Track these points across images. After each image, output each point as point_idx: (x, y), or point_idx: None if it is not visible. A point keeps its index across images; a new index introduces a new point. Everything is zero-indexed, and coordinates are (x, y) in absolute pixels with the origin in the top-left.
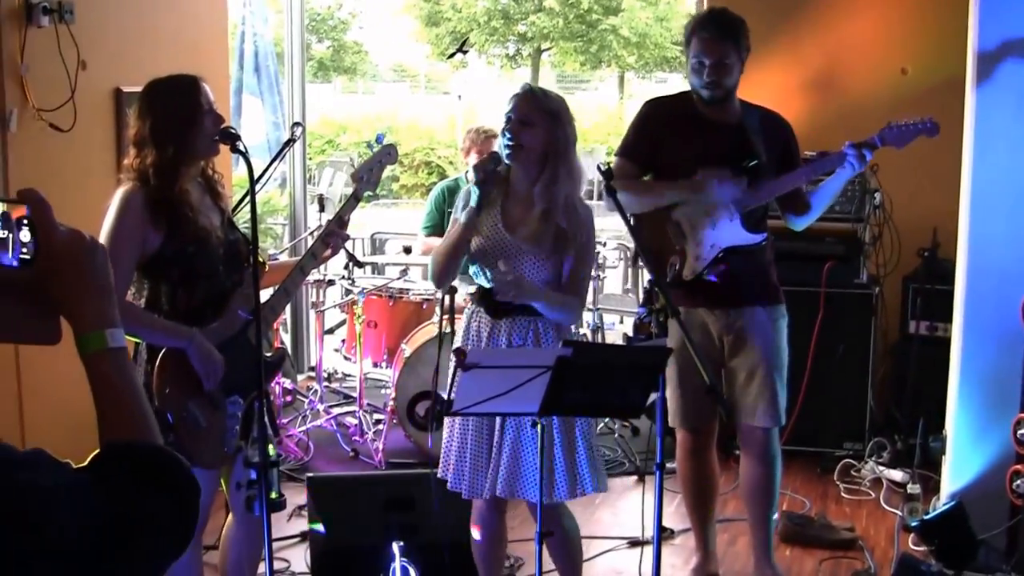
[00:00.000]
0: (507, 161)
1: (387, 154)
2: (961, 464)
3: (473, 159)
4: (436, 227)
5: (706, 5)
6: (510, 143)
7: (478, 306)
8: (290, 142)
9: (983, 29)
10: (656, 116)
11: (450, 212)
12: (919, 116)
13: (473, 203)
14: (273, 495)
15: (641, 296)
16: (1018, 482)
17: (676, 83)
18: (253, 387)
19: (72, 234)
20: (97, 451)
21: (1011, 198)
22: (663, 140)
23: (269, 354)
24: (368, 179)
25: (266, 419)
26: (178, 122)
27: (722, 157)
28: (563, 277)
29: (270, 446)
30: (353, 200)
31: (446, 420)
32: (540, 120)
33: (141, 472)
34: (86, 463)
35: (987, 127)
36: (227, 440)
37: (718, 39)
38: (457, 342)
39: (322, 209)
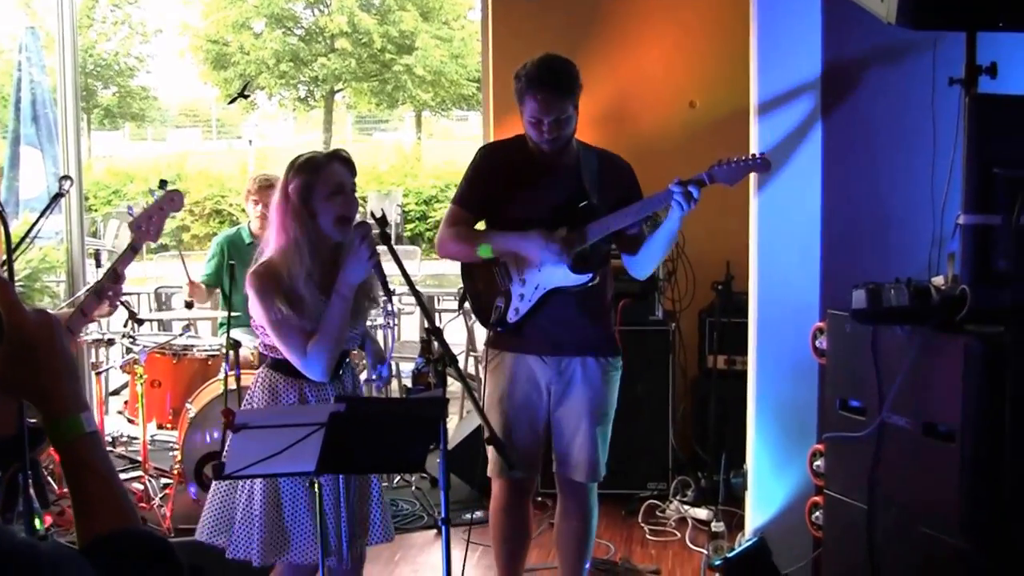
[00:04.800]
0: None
1: (170, 200)
2: (762, 499)
3: (251, 207)
4: (215, 278)
5: (491, 43)
6: (355, 214)
7: (293, 377)
8: (57, 197)
9: (763, 63)
10: (490, 163)
11: (232, 264)
12: (748, 152)
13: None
14: None
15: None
16: (817, 514)
17: (475, 120)
18: (17, 456)
19: (41, 314)
20: (93, 540)
21: (798, 229)
22: (497, 186)
23: (34, 420)
24: (147, 228)
25: (32, 491)
26: None
27: (556, 201)
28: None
29: (37, 519)
30: (130, 252)
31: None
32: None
33: (142, 561)
34: (87, 553)
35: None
36: None
37: (554, 98)
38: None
39: (98, 264)
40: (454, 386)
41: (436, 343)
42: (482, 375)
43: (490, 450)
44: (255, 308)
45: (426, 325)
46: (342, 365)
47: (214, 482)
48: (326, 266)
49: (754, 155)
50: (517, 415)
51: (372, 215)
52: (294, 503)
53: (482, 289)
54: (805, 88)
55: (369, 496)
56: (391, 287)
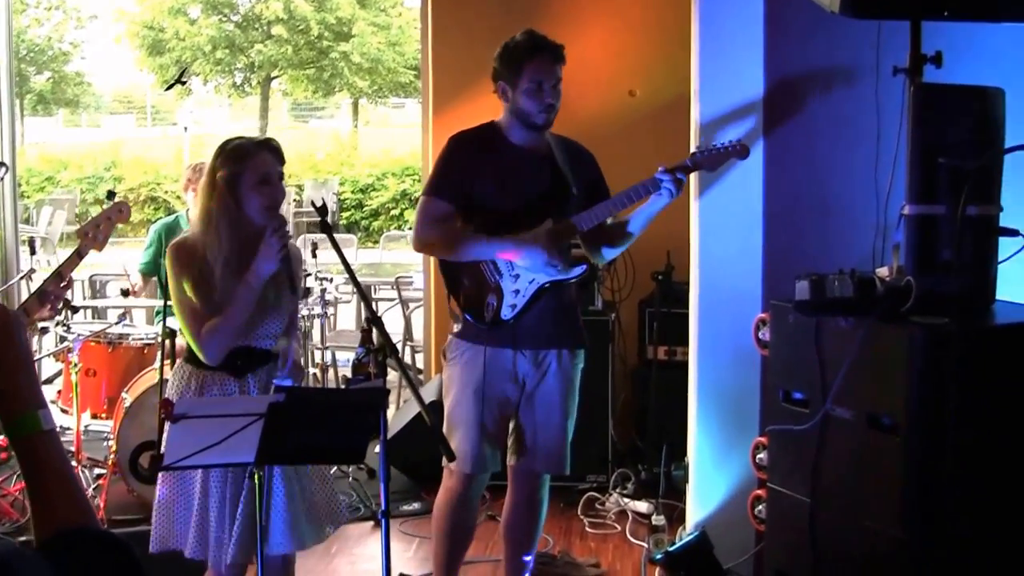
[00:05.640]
0: (264, 222)
1: (118, 211)
2: (704, 492)
3: (191, 196)
4: (152, 266)
5: (431, 31)
6: (280, 203)
7: (215, 369)
8: None
9: (704, 51)
10: (464, 150)
11: None
12: (730, 140)
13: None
14: None
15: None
16: (760, 507)
17: (412, 108)
18: None
19: None
20: (50, 538)
21: (739, 219)
22: (474, 174)
23: None
24: (95, 236)
25: None
26: None
27: (537, 189)
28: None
29: None
30: (76, 257)
31: (162, 477)
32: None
33: (98, 558)
34: (43, 551)
35: None
36: None
37: (553, 59)
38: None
39: (33, 252)
40: (390, 375)
41: (376, 332)
42: (446, 365)
43: (459, 442)
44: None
45: (365, 314)
46: (256, 365)
47: (158, 491)
48: (245, 253)
49: (731, 142)
50: (492, 409)
51: (313, 204)
52: (220, 500)
53: (469, 286)
54: (746, 77)
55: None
56: (330, 276)
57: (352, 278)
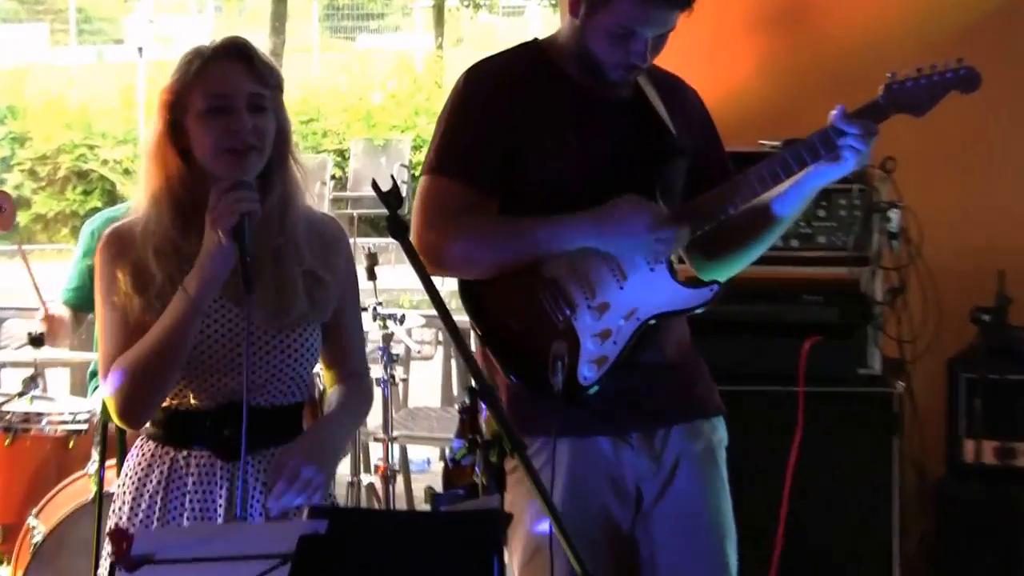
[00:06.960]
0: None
1: None
2: None
3: None
4: (84, 294)
5: None
6: (253, 146)
7: (194, 447)
8: None
9: None
10: (496, 95)
11: None
12: (946, 61)
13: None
14: None
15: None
16: None
17: (537, 15)
18: None
19: None
20: None
21: None
22: (515, 133)
23: None
24: None
25: None
26: None
27: (623, 150)
28: (343, 352)
29: None
30: None
31: None
32: (272, 98)
33: None
34: None
35: None
36: None
37: (668, 5)
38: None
39: None
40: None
41: (488, 411)
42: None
43: None
44: None
45: (466, 381)
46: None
47: None
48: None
49: (955, 65)
50: (590, 545)
51: (375, 185)
52: None
53: (522, 331)
54: None
55: None
56: (398, 313)
57: (444, 317)
